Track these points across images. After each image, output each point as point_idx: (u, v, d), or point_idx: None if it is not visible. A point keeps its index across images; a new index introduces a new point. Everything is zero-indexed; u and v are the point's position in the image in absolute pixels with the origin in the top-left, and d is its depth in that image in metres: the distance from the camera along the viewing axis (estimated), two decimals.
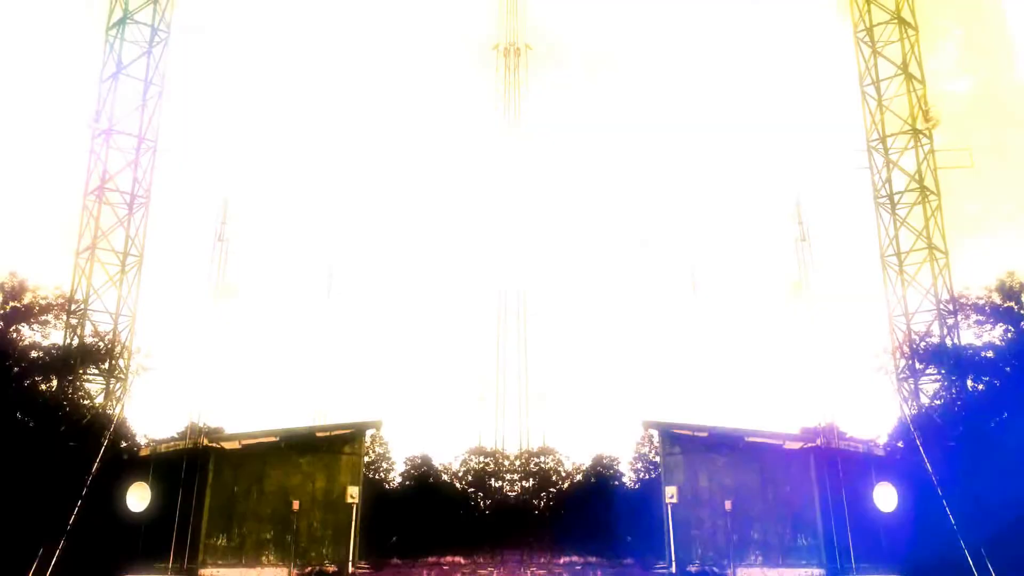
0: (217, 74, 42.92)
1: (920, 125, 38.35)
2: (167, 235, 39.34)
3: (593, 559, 34.70)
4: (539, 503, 37.66)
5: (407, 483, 37.68)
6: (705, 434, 33.00)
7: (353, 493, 32.55)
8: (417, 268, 43.08)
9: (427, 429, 39.80)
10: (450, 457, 38.83)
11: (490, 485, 38.20)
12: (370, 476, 36.18)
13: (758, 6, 44.79)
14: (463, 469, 38.57)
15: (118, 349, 36.31)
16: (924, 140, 38.42)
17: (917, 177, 38.16)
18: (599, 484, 37.57)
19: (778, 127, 42.77)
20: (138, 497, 31.63)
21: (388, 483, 37.77)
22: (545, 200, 43.60)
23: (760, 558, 30.97)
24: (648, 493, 35.68)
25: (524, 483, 38.17)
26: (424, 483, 37.62)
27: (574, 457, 38.70)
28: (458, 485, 38.09)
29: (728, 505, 31.50)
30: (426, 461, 38.14)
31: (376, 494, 35.55)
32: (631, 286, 42.86)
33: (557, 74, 45.47)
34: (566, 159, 44.41)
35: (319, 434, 33.33)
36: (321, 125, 43.85)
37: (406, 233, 43.65)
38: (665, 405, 38.66)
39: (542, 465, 38.61)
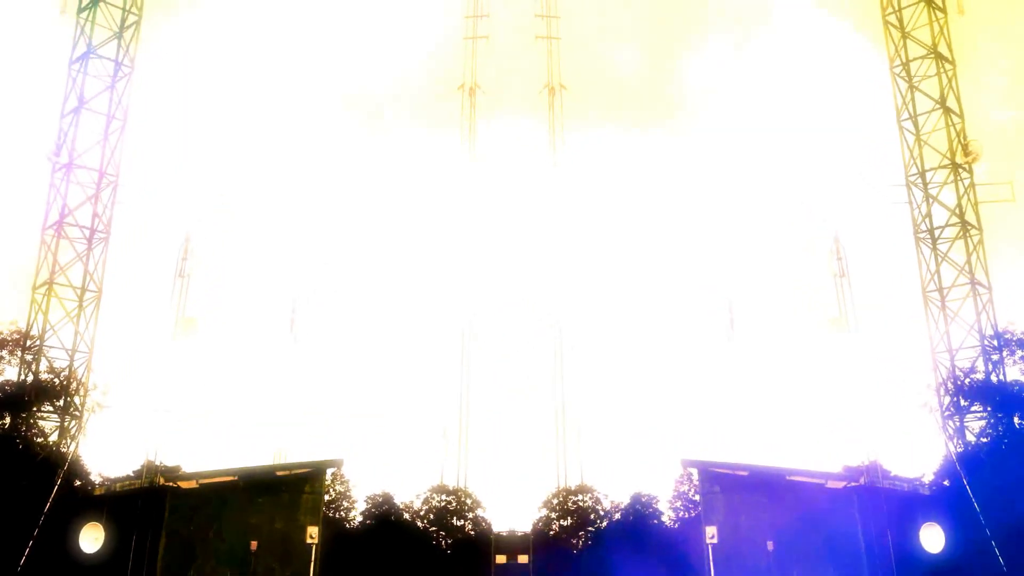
0: (180, 108, 42.71)
1: (960, 159, 38.02)
2: (127, 270, 38.94)
3: None
4: (577, 542, 37.17)
5: (368, 522, 37.21)
6: (745, 473, 32.84)
7: (313, 533, 32.16)
8: (382, 303, 42.89)
9: (390, 466, 39.44)
10: (412, 495, 38.43)
11: (451, 523, 37.83)
12: (331, 515, 35.72)
13: (793, 41, 44.84)
14: (425, 508, 38.18)
15: (74, 386, 35.67)
16: (964, 174, 38.07)
17: (958, 211, 37.75)
18: (638, 523, 36.71)
19: (816, 162, 42.53)
20: (91, 538, 31.05)
21: (349, 522, 37.25)
22: (581, 234, 43.71)
23: None
24: (688, 532, 35.05)
25: (562, 521, 37.72)
26: (385, 522, 37.18)
27: (612, 495, 38.01)
28: (420, 524, 37.69)
29: (770, 545, 31.17)
30: (387, 499, 37.70)
31: (336, 534, 35.08)
32: (668, 322, 42.38)
33: (590, 110, 45.60)
34: (598, 194, 44.51)
35: (279, 473, 32.99)
36: (284, 159, 43.72)
37: (367, 267, 43.49)
38: (704, 443, 38.63)
39: (580, 503, 38.15)
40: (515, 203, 44.44)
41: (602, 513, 37.89)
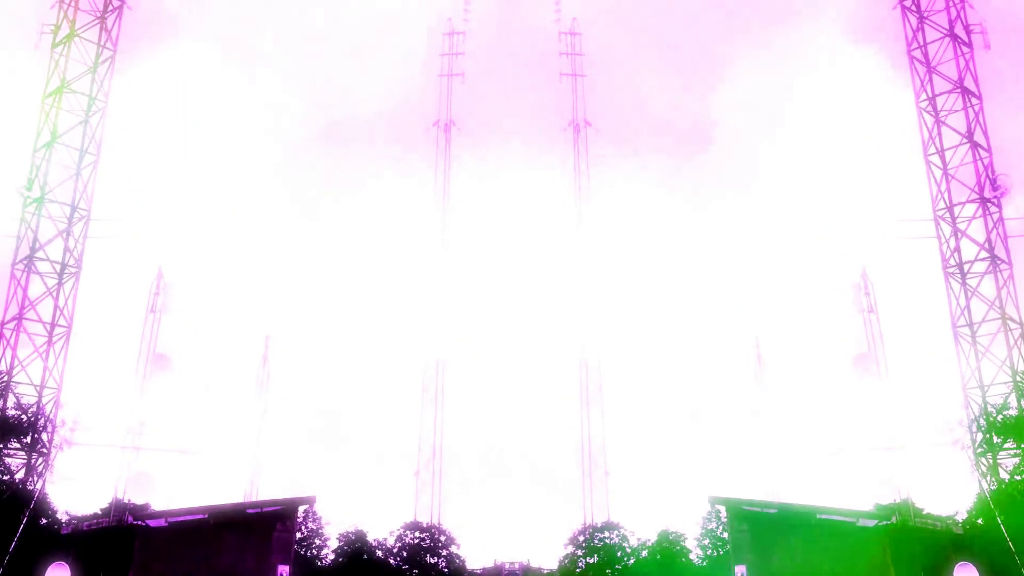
0: (152, 143, 42.71)
1: (988, 194, 37.94)
2: (98, 305, 38.60)
3: None
4: None
5: (340, 560, 36.81)
6: (774, 511, 32.41)
7: (284, 572, 31.68)
8: (354, 342, 42.79)
9: (362, 503, 39.15)
10: (385, 532, 38.10)
11: (425, 561, 37.50)
12: (302, 553, 35.31)
13: (819, 76, 45.04)
14: (398, 545, 37.84)
15: (42, 422, 35.19)
16: (992, 208, 37.92)
17: (987, 246, 37.58)
18: (665, 561, 36.22)
19: (843, 198, 42.49)
20: None
21: (320, 560, 36.85)
22: (604, 274, 43.76)
23: None
24: (716, 571, 34.71)
25: (588, 559, 37.26)
26: (358, 560, 36.78)
27: (639, 532, 37.59)
28: (392, 561, 37.32)
29: None
30: (360, 537, 37.34)
31: (308, 572, 34.68)
32: (696, 359, 42.20)
33: (611, 148, 45.97)
34: (624, 231, 44.71)
35: (249, 511, 32.52)
36: (258, 196, 43.73)
37: (345, 305, 43.42)
38: (732, 480, 38.54)
39: (606, 540, 37.67)
40: (537, 240, 44.68)
41: (628, 550, 37.46)
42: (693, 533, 37.10)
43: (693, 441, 40.94)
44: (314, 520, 37.45)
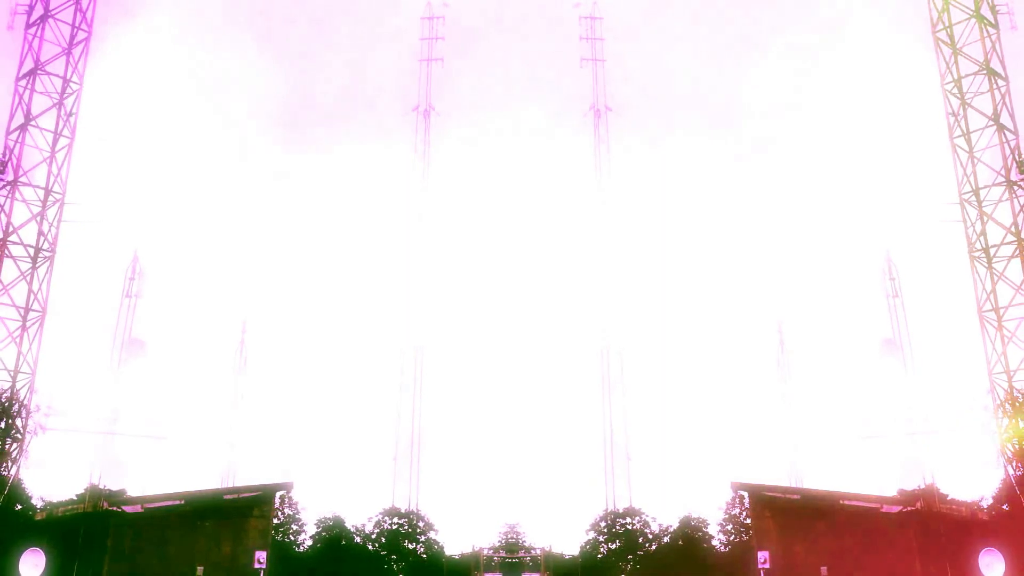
0: (128, 127, 42.28)
1: (1015, 176, 37.43)
2: (73, 290, 38.25)
3: None
4: (625, 566, 36.65)
5: (318, 545, 36.80)
6: (797, 496, 32.65)
7: (261, 558, 31.73)
8: (332, 327, 42.67)
9: (340, 489, 39.13)
10: (363, 518, 38.09)
11: (404, 546, 37.54)
12: (279, 539, 35.26)
13: (845, 59, 44.50)
14: (377, 531, 37.86)
15: (15, 408, 34.83)
16: (1019, 191, 37.44)
17: (1014, 230, 37.10)
18: (687, 547, 36.29)
19: (867, 182, 42.22)
20: (32, 564, 30.37)
21: (298, 546, 36.79)
22: (625, 259, 43.53)
23: None
24: (739, 556, 34.64)
25: (610, 545, 37.28)
26: (336, 545, 36.77)
27: (661, 518, 37.54)
28: (371, 547, 37.34)
29: (824, 572, 30.85)
30: (338, 523, 37.32)
31: (285, 558, 34.63)
32: (719, 344, 42.09)
33: (630, 132, 45.71)
34: (645, 216, 44.49)
35: (226, 497, 32.61)
36: (235, 178, 43.44)
37: (322, 290, 43.28)
38: (755, 465, 38.53)
39: (628, 526, 37.68)
40: (562, 226, 44.55)
41: (651, 536, 37.54)
42: (715, 519, 37.15)
43: (715, 427, 41.00)
44: (291, 506, 37.36)
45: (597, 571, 36.68)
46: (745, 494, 34.98)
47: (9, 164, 37.17)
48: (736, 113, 45.72)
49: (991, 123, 38.22)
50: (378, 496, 39.42)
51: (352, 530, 37.47)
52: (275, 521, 34.73)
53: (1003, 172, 37.74)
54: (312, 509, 37.69)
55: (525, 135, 46.21)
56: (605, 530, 37.84)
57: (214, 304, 40.78)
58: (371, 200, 44.42)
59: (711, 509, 37.25)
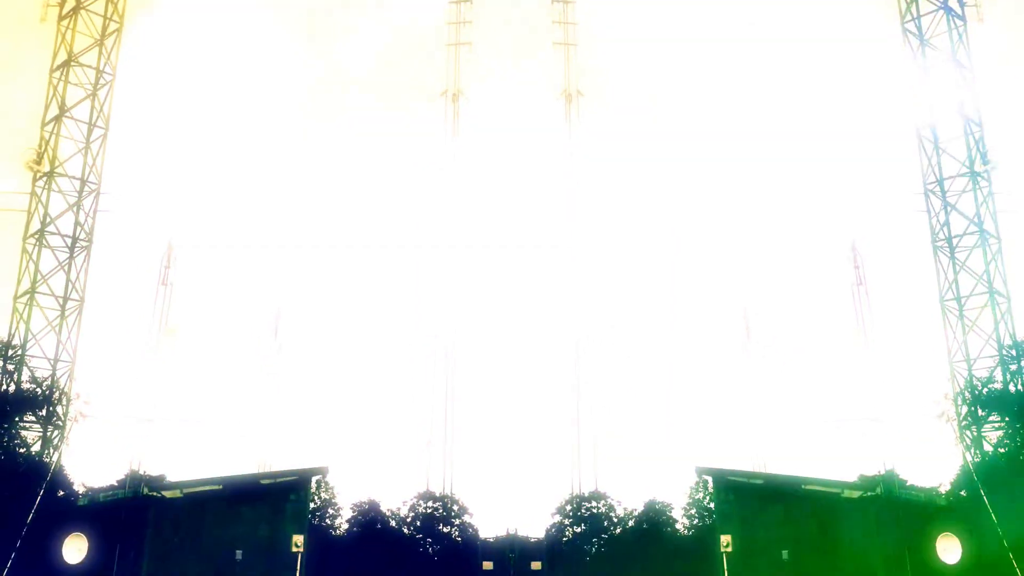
0: (162, 116, 42.52)
1: (978, 167, 37.81)
2: (109, 279, 38.72)
3: None
4: (590, 549, 37.11)
5: (354, 529, 37.14)
6: (761, 481, 33.12)
7: (298, 541, 32.11)
8: (365, 312, 42.81)
9: (375, 474, 39.31)
10: (398, 502, 38.39)
11: (439, 530, 37.80)
12: (315, 523, 35.63)
13: (812, 45, 43.99)
14: (411, 515, 38.14)
15: (56, 395, 35.45)
16: (983, 182, 37.79)
17: (976, 220, 37.49)
18: (652, 531, 36.69)
19: (833, 170, 42.09)
20: (75, 549, 30.96)
21: (335, 530, 37.15)
22: (591, 245, 43.57)
23: None
24: (703, 541, 35.07)
25: (575, 528, 37.66)
26: (371, 529, 37.11)
27: (626, 502, 37.89)
28: (406, 531, 37.63)
29: (785, 555, 31.22)
30: (374, 507, 37.63)
31: (322, 542, 34.99)
32: (684, 330, 41.97)
33: (601, 113, 45.46)
34: (611, 201, 44.23)
35: (263, 482, 32.99)
36: (270, 166, 43.59)
37: (356, 275, 43.39)
38: (719, 451, 38.56)
39: (593, 510, 38.10)
40: (523, 210, 44.30)
41: (616, 520, 37.88)
42: (680, 503, 37.54)
43: (681, 413, 41.09)
44: (327, 491, 37.74)
45: (562, 554, 36.93)
46: (709, 479, 35.23)
47: (45, 155, 37.68)
48: (703, 101, 45.28)
49: (957, 114, 38.61)
50: (412, 481, 39.61)
51: (387, 514, 37.77)
52: (311, 505, 35.12)
53: (967, 163, 38.08)
54: (347, 494, 38.03)
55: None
56: (571, 514, 38.06)
57: (248, 290, 41.07)
58: (404, 184, 44.42)
59: (676, 494, 37.64)
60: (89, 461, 35.10)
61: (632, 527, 37.40)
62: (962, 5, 39.70)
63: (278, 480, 33.09)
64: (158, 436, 36.77)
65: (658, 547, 36.13)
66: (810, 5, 44.65)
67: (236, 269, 41.12)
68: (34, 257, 36.73)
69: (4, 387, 34.61)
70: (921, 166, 39.43)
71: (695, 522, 36.93)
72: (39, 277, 36.53)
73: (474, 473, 40.90)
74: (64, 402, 35.69)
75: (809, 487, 32.50)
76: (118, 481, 32.60)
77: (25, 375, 35.34)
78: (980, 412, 35.34)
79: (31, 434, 34.80)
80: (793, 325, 41.17)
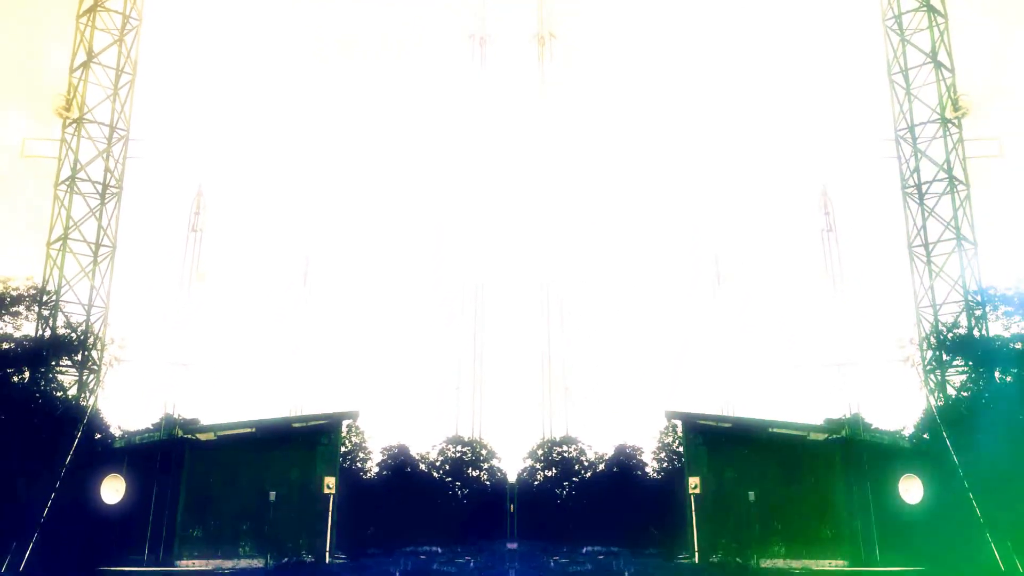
0: (190, 62, 42.34)
1: (949, 114, 37.85)
2: (140, 225, 39.00)
3: (615, 549, 34.41)
4: (561, 492, 37.62)
5: (384, 473, 37.61)
6: (729, 425, 33.41)
7: (330, 484, 32.50)
8: (394, 258, 42.88)
9: (404, 419, 39.76)
10: (427, 446, 38.78)
11: (468, 474, 38.20)
12: (346, 466, 36.10)
13: None
14: (441, 459, 38.53)
15: (91, 340, 35.95)
16: (953, 129, 37.94)
17: (946, 167, 37.63)
18: (622, 474, 37.33)
19: (804, 116, 42.13)
20: (112, 489, 31.56)
21: (365, 473, 37.67)
22: (566, 191, 43.51)
23: (783, 549, 31.24)
24: (671, 484, 35.64)
25: (546, 472, 38.13)
26: (401, 473, 37.56)
27: (597, 447, 38.55)
28: (436, 475, 38.06)
29: (752, 496, 31.64)
30: (403, 451, 38.06)
31: (352, 484, 35.48)
32: (655, 276, 42.49)
33: (578, 63, 45.04)
34: (587, 148, 44.18)
35: (295, 425, 33.32)
36: (298, 112, 43.39)
37: (384, 222, 43.39)
38: (689, 395, 39.23)
39: (564, 454, 38.54)
40: (505, 159, 44.12)
41: (586, 464, 38.34)
42: (649, 447, 38.28)
43: (652, 357, 41.54)
44: (357, 435, 38.19)
45: (533, 497, 37.28)
46: (679, 422, 35.58)
47: (74, 102, 37.71)
48: (674, 45, 44.50)
49: (929, 60, 38.61)
50: (441, 425, 39.99)
51: (417, 458, 38.20)
52: (342, 450, 35.52)
53: (938, 110, 38.13)
54: (378, 438, 38.53)
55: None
56: (542, 458, 38.41)
57: (278, 236, 41.22)
58: (432, 130, 44.14)
59: (646, 438, 38.42)
60: (125, 405, 35.72)
61: (602, 471, 38.04)
62: None
63: (310, 423, 33.40)
64: (192, 380, 37.23)
65: (628, 490, 36.85)
66: None
67: (265, 215, 41.24)
68: (65, 204, 36.98)
69: (40, 332, 35.10)
70: (892, 112, 39.51)
71: (664, 465, 37.73)
72: (71, 224, 36.82)
73: (502, 417, 41.23)
74: (99, 347, 36.20)
75: (776, 430, 32.82)
76: (153, 424, 33.09)
77: (60, 321, 35.84)
78: (944, 357, 36.01)
79: (67, 378, 35.42)
80: (763, 271, 41.51)
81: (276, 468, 32.33)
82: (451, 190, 43.70)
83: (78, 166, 37.37)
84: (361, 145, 43.40)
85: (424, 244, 43.33)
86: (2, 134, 40.04)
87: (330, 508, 32.26)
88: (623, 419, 39.48)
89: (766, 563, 30.62)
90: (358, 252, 42.59)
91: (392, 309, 42.28)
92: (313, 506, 32.10)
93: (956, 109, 37.86)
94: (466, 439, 39.24)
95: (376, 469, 37.96)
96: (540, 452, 38.70)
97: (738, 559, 30.49)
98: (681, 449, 35.51)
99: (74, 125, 37.69)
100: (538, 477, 38.18)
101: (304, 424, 33.28)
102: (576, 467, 38.15)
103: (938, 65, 38.56)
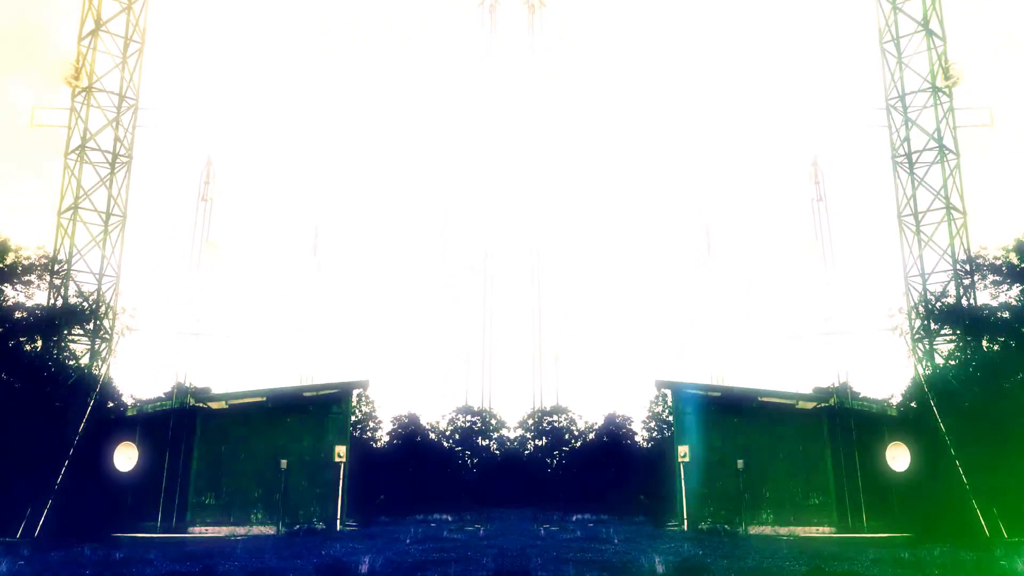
0: (199, 32, 42.22)
1: (940, 83, 37.61)
2: (150, 195, 39.09)
3: (605, 516, 34.89)
4: (552, 461, 37.86)
5: (394, 442, 37.85)
6: (718, 394, 33.46)
7: (341, 452, 32.66)
8: (403, 228, 42.87)
9: (414, 389, 39.97)
10: (437, 416, 39.02)
11: (477, 443, 38.41)
12: (357, 435, 36.31)
13: None
14: (450, 428, 38.73)
15: (103, 309, 36.08)
16: (944, 98, 37.69)
17: (936, 136, 37.47)
18: (612, 443, 37.72)
19: (795, 86, 42.16)
20: (125, 457, 31.79)
21: (375, 442, 37.94)
22: (558, 159, 43.41)
23: (771, 516, 31.53)
24: (661, 452, 36.00)
25: (537, 441, 38.35)
26: (411, 442, 37.79)
27: (587, 416, 38.89)
28: (446, 444, 38.28)
29: (740, 464, 31.85)
30: (413, 420, 38.29)
31: (363, 453, 35.74)
32: (646, 246, 42.64)
33: (570, 30, 44.75)
34: (580, 117, 44.01)
35: (306, 394, 33.39)
36: (306, 82, 43.23)
37: (393, 193, 43.32)
38: (679, 364, 39.38)
39: (555, 423, 38.71)
40: (500, 129, 43.91)
41: (576, 433, 38.48)
42: (640, 416, 38.99)
43: (642, 327, 41.85)
44: (367, 404, 38.39)
45: (523, 466, 37.35)
46: (668, 392, 35.79)
47: (83, 71, 37.55)
48: (668, 17, 44.14)
49: (920, 29, 38.26)
50: (451, 395, 40.15)
51: (427, 427, 38.40)
52: (353, 419, 35.70)
53: (929, 78, 37.89)
54: (388, 408, 38.77)
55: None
56: (532, 427, 38.45)
57: (287, 207, 41.21)
58: (440, 99, 43.92)
59: (636, 408, 39.08)
60: (137, 374, 35.96)
61: (593, 440, 38.24)
62: None
63: (320, 393, 33.51)
64: (203, 349, 37.35)
65: (618, 458, 37.25)
66: None
67: (275, 185, 41.23)
68: (75, 173, 36.95)
69: (52, 301, 35.21)
70: (883, 81, 39.21)
71: (654, 434, 38.24)
72: (82, 193, 36.81)
73: (509, 387, 41.26)
74: (110, 316, 36.34)
75: (765, 399, 32.93)
76: (165, 393, 33.29)
77: (72, 290, 35.94)
78: (933, 326, 36.15)
79: (79, 347, 35.59)
80: (753, 240, 41.84)
81: (287, 437, 32.50)
82: (458, 160, 43.59)
83: (88, 135, 37.30)
84: (370, 116, 43.21)
85: (432, 213, 43.27)
86: (12, 103, 39.98)
87: (341, 476, 32.45)
88: (614, 388, 39.81)
89: (754, 530, 30.90)
90: (367, 222, 42.59)
91: (401, 279, 42.38)
92: (324, 474, 32.31)
93: (947, 78, 37.64)
94: (476, 408, 39.40)
95: (386, 438, 38.23)
96: (531, 422, 38.87)
97: (726, 526, 30.66)
98: (671, 419, 35.73)
99: (83, 94, 37.57)
100: (529, 446, 38.39)
101: (315, 393, 33.38)
102: (567, 436, 38.35)
103: (929, 33, 38.24)
